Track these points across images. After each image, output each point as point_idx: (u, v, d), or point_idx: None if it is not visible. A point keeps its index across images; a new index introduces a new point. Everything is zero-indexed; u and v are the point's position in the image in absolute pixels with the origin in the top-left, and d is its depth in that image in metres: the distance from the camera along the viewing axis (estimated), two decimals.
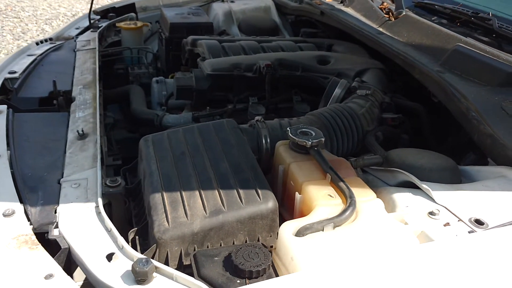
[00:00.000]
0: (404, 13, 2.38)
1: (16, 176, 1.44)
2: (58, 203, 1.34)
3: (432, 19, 2.34)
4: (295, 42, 2.59)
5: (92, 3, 2.76)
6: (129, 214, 1.41)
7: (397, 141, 1.83)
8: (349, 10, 2.76)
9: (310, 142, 1.40)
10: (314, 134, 1.44)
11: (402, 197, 1.31)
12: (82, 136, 1.68)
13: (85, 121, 1.81)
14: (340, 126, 1.64)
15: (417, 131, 1.96)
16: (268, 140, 1.58)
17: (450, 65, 1.90)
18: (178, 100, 2.37)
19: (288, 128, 1.46)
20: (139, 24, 3.00)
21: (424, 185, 1.31)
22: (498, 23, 2.03)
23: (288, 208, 1.41)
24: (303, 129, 1.46)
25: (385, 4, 2.67)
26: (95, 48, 2.54)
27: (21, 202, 1.34)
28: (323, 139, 1.42)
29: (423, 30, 2.16)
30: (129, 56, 2.85)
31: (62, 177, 1.46)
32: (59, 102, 1.96)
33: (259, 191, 1.29)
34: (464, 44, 1.96)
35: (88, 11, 2.84)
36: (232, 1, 3.36)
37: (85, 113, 1.88)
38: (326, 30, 2.94)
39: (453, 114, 1.72)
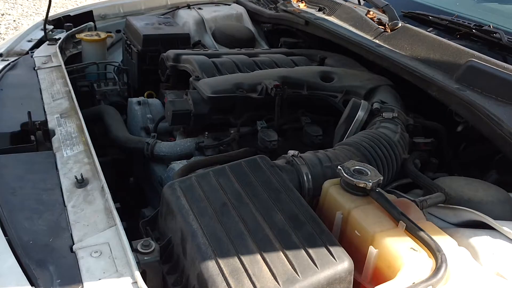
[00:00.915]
0: (400, 25, 2.29)
1: (14, 247, 1.14)
2: (81, 282, 1.06)
3: (428, 30, 2.27)
4: (285, 55, 2.42)
5: (48, 12, 2.39)
6: (165, 284, 1.17)
7: (426, 166, 1.72)
8: (333, 20, 2.63)
9: (370, 184, 1.23)
10: (370, 173, 1.28)
11: (483, 242, 1.19)
12: (81, 183, 1.39)
13: (78, 161, 1.51)
14: (381, 157, 1.50)
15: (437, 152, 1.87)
16: (310, 179, 1.40)
17: (467, 81, 1.82)
18: (164, 124, 2.11)
19: (340, 167, 1.29)
20: (103, 35, 2.66)
21: (505, 228, 1.19)
22: (506, 37, 1.99)
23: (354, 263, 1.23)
24: (357, 167, 1.30)
25: (372, 13, 2.58)
26: (60, 65, 2.19)
27: (31, 284, 1.05)
28: (381, 178, 1.27)
29: (428, 44, 2.08)
30: (95, 72, 2.51)
31: (74, 243, 1.18)
32: (37, 138, 1.63)
33: (331, 249, 1.10)
34: (478, 59, 1.89)
35: (42, 18, 2.46)
36: (200, 8, 3.11)
37: (74, 150, 1.57)
38: (308, 41, 2.79)
39: (487, 136, 1.64)
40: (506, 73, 1.79)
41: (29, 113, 1.67)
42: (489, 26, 2.14)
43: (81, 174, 1.41)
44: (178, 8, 3.12)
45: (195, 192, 1.26)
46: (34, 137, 1.63)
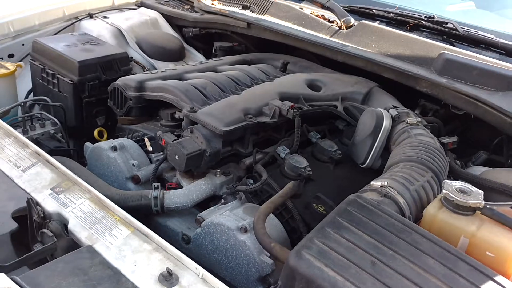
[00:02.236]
0: (353, 21, 2.32)
1: None
2: None
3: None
4: (242, 64, 2.25)
5: None
6: None
7: None
8: (272, 19, 2.53)
9: (483, 202, 1.24)
10: (472, 190, 1.28)
11: None
12: (170, 280, 1.10)
13: (137, 250, 1.18)
14: (441, 167, 1.51)
15: None
16: (408, 207, 1.34)
17: (448, 74, 1.95)
18: (149, 167, 1.79)
19: (446, 191, 1.26)
20: (10, 66, 2.08)
21: None
22: (461, 28, 2.17)
23: None
24: (457, 186, 1.29)
25: (313, 11, 2.54)
26: None
27: None
28: (482, 192, 1.28)
29: (393, 39, 2.15)
30: (19, 117, 1.96)
31: None
32: (55, 231, 1.22)
33: (495, 278, 1.09)
34: (449, 51, 2.04)
35: None
36: (106, 17, 2.65)
37: (117, 236, 1.22)
38: (245, 44, 2.63)
39: (493, 125, 1.79)
40: (482, 63, 1.96)
41: (29, 201, 1.23)
42: (433, 16, 2.30)
43: (167, 268, 1.10)
44: (78, 19, 2.61)
45: (332, 258, 1.10)
46: (50, 232, 1.22)
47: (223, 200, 1.62)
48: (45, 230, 1.21)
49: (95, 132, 2.08)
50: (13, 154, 1.51)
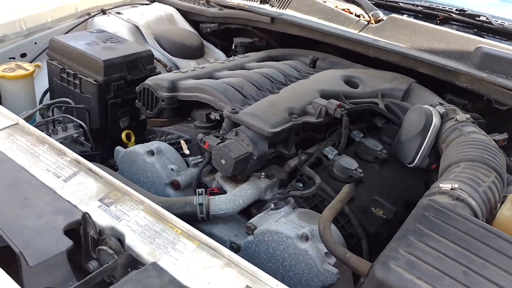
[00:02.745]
0: (382, 15, 2.25)
1: None
2: None
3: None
4: (269, 60, 2.16)
5: None
6: None
7: None
8: (296, 14, 2.44)
9: None
10: None
11: None
12: None
13: (208, 265, 1.10)
14: (503, 167, 1.46)
15: None
16: (481, 210, 1.28)
17: (488, 68, 1.89)
18: (189, 171, 1.70)
19: None
20: (29, 66, 1.96)
21: None
22: (495, 21, 2.12)
23: None
24: None
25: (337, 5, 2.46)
26: (17, 122, 1.55)
27: None
28: None
29: (427, 33, 2.09)
30: (43, 121, 1.84)
31: None
32: (112, 245, 1.13)
33: None
34: (486, 45, 1.98)
35: None
36: (119, 13, 2.53)
37: (181, 251, 1.14)
38: (267, 39, 2.54)
39: None
40: None
41: (85, 216, 1.13)
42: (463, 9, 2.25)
43: (246, 286, 1.02)
44: (91, 16, 2.48)
45: (422, 269, 1.03)
46: (110, 249, 1.12)
47: (272, 205, 1.54)
48: (104, 247, 1.12)
49: (123, 135, 1.98)
50: (51, 162, 1.41)
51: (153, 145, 1.70)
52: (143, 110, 1.90)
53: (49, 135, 1.82)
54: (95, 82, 1.91)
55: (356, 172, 1.58)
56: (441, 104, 1.77)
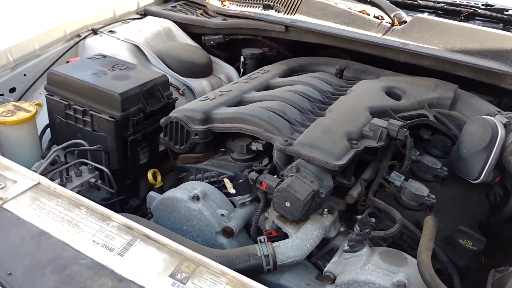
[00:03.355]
0: (405, 16, 2.11)
1: None
2: None
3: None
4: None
5: None
6: None
7: None
8: (306, 19, 2.27)
9: None
10: None
11: None
12: None
13: None
14: None
15: None
16: None
17: None
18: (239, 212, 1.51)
19: None
20: (29, 107, 1.69)
21: None
22: None
23: None
24: None
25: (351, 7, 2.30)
26: (38, 182, 1.31)
27: None
28: None
29: (459, 33, 1.97)
30: (56, 168, 1.59)
31: None
32: None
33: None
34: None
35: None
36: (112, 31, 2.27)
37: None
38: (278, 48, 2.36)
39: None
40: None
41: None
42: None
43: None
44: (82, 38, 2.20)
45: None
46: None
47: (346, 247, 1.37)
48: None
49: (149, 176, 1.75)
50: (95, 231, 1.18)
51: (195, 188, 1.49)
52: (170, 146, 1.68)
53: (64, 185, 1.58)
54: (111, 119, 1.67)
55: (429, 198, 1.44)
56: (498, 112, 1.65)
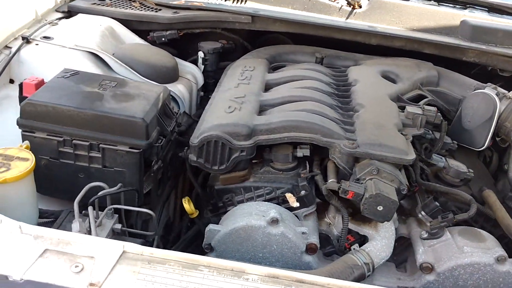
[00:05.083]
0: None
1: None
2: None
3: None
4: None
5: None
6: None
7: None
8: (264, 7, 2.18)
9: None
10: None
11: None
12: None
13: None
14: None
15: None
16: None
17: (480, 40, 2.07)
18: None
19: None
20: (27, 154, 1.28)
21: None
22: None
23: None
24: None
25: None
26: None
27: None
28: None
29: (414, 13, 2.14)
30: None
31: None
32: None
33: None
34: (469, 18, 2.15)
35: None
36: (48, 37, 1.82)
37: None
38: (239, 40, 2.22)
39: None
40: (502, 25, 2.14)
41: None
42: None
43: None
44: (18, 50, 1.72)
45: None
46: None
47: (425, 234, 1.44)
48: None
49: (186, 206, 1.51)
50: None
51: (264, 210, 1.37)
52: (206, 168, 1.48)
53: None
54: (134, 150, 1.38)
55: (470, 173, 1.59)
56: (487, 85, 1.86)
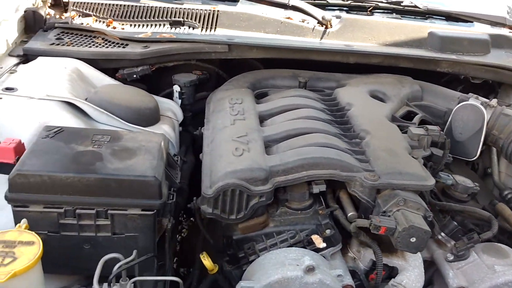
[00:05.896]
0: (332, 17, 2.18)
1: None
2: None
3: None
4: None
5: None
6: None
7: None
8: (234, 33, 2.10)
9: None
10: None
11: None
12: None
13: None
14: None
15: None
16: None
17: (448, 50, 2.15)
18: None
19: None
20: (33, 237, 1.10)
21: None
22: (422, 5, 2.35)
23: None
24: None
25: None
26: None
27: None
28: None
29: (384, 29, 2.18)
30: None
31: None
32: None
33: None
34: (435, 29, 2.21)
35: None
36: (10, 88, 1.61)
37: None
38: (215, 70, 2.12)
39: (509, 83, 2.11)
40: (466, 33, 2.23)
41: None
42: None
43: None
44: None
45: None
46: None
47: (451, 257, 1.44)
48: None
49: (206, 263, 1.39)
50: None
51: (299, 258, 1.29)
52: (223, 218, 1.38)
53: None
54: (147, 212, 1.25)
55: (476, 187, 1.61)
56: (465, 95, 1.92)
